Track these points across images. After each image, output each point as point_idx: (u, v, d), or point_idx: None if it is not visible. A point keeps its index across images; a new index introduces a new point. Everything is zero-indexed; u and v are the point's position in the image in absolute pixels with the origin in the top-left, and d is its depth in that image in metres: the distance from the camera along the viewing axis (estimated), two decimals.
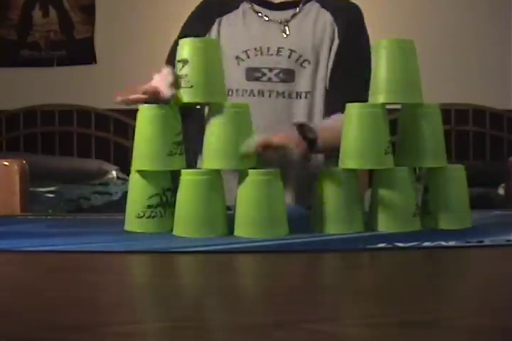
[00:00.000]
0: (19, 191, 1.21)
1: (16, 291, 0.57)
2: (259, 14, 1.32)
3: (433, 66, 3.16)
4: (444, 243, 0.77)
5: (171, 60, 1.29)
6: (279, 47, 1.29)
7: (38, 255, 0.74)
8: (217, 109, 0.87)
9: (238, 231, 0.84)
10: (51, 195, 2.49)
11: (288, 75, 1.28)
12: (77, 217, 1.09)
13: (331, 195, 0.86)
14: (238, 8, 1.35)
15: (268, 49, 1.29)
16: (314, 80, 1.29)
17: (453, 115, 3.16)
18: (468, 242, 0.78)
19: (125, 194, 3.01)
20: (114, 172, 3.03)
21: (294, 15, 1.31)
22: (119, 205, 2.68)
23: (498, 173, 2.07)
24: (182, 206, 0.85)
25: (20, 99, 3.33)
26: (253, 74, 1.28)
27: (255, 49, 1.29)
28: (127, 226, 0.89)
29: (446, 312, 0.49)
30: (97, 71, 3.36)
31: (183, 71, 0.87)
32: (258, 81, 1.28)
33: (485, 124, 3.16)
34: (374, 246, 0.76)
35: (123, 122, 3.20)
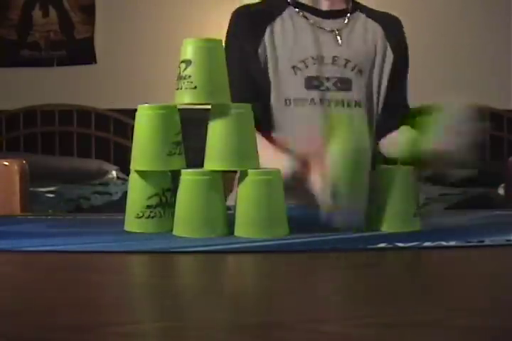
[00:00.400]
0: (19, 191, 1.21)
1: (16, 291, 0.57)
2: (311, 21, 1.30)
3: (433, 66, 3.16)
4: (444, 243, 0.77)
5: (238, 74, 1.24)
6: (334, 56, 1.28)
7: (38, 255, 0.74)
8: (220, 110, 0.87)
9: (238, 231, 0.84)
10: (51, 195, 2.49)
11: (345, 84, 1.28)
12: (77, 217, 1.09)
13: None
14: (281, 13, 1.31)
15: (323, 58, 1.28)
16: (370, 89, 1.31)
17: None
18: (469, 242, 0.78)
19: (125, 194, 3.01)
20: (114, 172, 3.03)
21: (344, 24, 1.31)
22: (119, 205, 2.68)
23: (498, 173, 2.07)
24: (182, 206, 0.85)
25: (20, 99, 3.33)
26: (313, 82, 1.27)
27: (312, 58, 1.27)
28: (127, 227, 0.88)
29: (446, 312, 0.49)
30: (97, 71, 3.36)
31: (187, 72, 0.85)
32: (318, 90, 1.27)
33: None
34: (374, 246, 0.76)
35: (123, 122, 3.20)
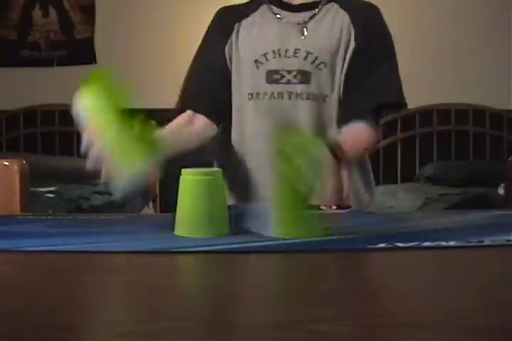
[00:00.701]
0: (19, 191, 1.21)
1: (16, 291, 0.57)
2: (278, 16, 1.32)
3: (433, 66, 3.16)
4: (444, 243, 0.77)
5: (199, 71, 1.34)
6: (295, 49, 1.29)
7: (38, 255, 0.74)
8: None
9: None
10: (51, 195, 2.49)
11: (304, 77, 1.28)
12: (77, 217, 1.09)
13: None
14: (256, 10, 1.34)
15: (286, 51, 1.29)
16: (331, 83, 1.29)
17: (453, 115, 3.16)
18: (469, 242, 0.78)
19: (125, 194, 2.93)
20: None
21: (312, 17, 1.31)
22: (119, 205, 2.69)
23: (498, 173, 2.07)
24: (184, 206, 0.85)
25: (20, 99, 3.33)
26: (273, 76, 1.29)
27: (273, 51, 1.29)
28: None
29: (446, 312, 0.49)
30: None
31: None
32: (278, 83, 1.28)
33: (485, 124, 3.16)
34: (374, 246, 0.76)
35: None
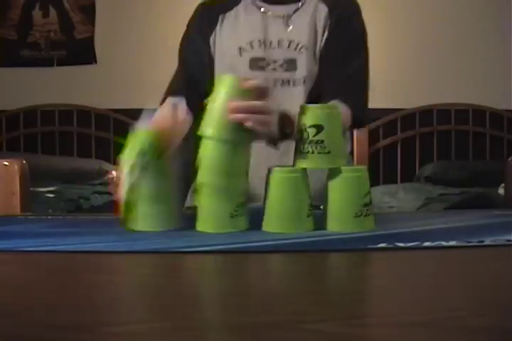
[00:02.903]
0: (19, 191, 1.21)
1: (16, 291, 0.57)
2: (262, 9, 1.36)
3: (433, 66, 3.16)
4: (444, 243, 0.77)
5: (184, 62, 1.38)
6: (279, 40, 1.33)
7: (38, 255, 0.74)
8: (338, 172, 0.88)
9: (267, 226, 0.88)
10: (51, 195, 2.49)
11: (290, 64, 1.32)
12: (77, 217, 1.09)
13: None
14: (239, 3, 1.38)
15: (271, 42, 1.33)
16: (311, 66, 1.33)
17: (453, 115, 3.16)
18: (469, 242, 0.78)
19: None
20: (114, 172, 3.03)
21: (295, 11, 1.35)
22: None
23: (498, 173, 2.07)
24: (273, 202, 0.88)
25: (21, 99, 3.33)
26: (257, 63, 1.32)
27: (259, 41, 1.33)
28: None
29: (446, 312, 0.49)
30: (97, 71, 3.36)
31: (319, 136, 0.87)
32: (263, 71, 1.32)
33: (485, 124, 3.16)
34: (374, 246, 0.76)
35: (123, 122, 3.20)
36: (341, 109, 1.14)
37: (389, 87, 2.85)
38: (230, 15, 1.38)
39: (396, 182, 3.07)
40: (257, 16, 1.36)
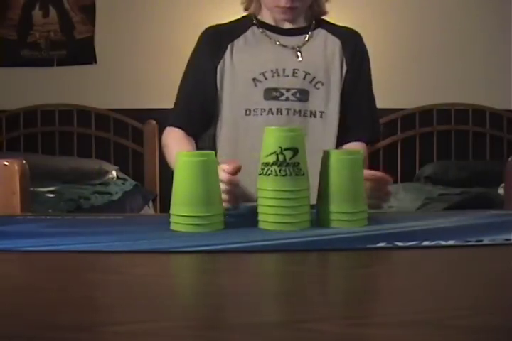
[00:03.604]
0: (19, 191, 1.21)
1: (16, 291, 0.57)
2: (272, 39, 1.39)
3: (433, 66, 3.16)
4: (443, 242, 0.77)
5: (188, 89, 1.40)
6: (294, 69, 1.36)
7: (38, 255, 0.74)
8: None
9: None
10: (51, 195, 2.49)
11: (303, 95, 1.35)
12: (77, 217, 1.09)
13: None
14: (246, 32, 1.41)
15: (284, 70, 1.36)
16: (327, 101, 1.37)
17: (453, 115, 3.16)
18: (468, 241, 0.78)
19: (125, 194, 3.03)
20: (114, 172, 3.03)
21: (305, 41, 1.39)
22: (119, 205, 2.70)
23: (498, 173, 2.07)
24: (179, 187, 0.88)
25: (21, 99, 3.33)
26: (271, 93, 1.35)
27: (272, 71, 1.36)
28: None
29: (446, 312, 0.49)
30: (97, 71, 3.36)
31: (295, 159, 0.88)
32: (276, 100, 1.35)
33: (485, 124, 3.16)
34: (374, 246, 0.76)
35: (123, 122, 3.20)
36: (363, 151, 1.23)
37: (389, 87, 2.85)
38: (239, 43, 1.39)
39: (396, 182, 3.07)
40: (267, 46, 1.38)
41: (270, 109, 1.34)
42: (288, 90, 1.35)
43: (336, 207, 0.89)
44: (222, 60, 1.37)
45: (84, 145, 3.32)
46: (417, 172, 3.11)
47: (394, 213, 1.69)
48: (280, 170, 0.87)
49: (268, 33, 1.40)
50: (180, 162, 0.88)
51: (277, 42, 1.38)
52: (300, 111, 1.35)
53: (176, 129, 1.40)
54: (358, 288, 0.58)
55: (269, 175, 0.88)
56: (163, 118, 3.21)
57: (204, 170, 0.87)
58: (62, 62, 3.36)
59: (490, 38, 3.18)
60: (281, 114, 1.34)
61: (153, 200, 3.20)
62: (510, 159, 1.60)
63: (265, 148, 0.89)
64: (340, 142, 1.38)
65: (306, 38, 1.40)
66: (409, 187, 2.84)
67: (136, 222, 1.05)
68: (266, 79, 1.35)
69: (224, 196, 0.95)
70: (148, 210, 3.07)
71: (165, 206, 3.18)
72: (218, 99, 1.38)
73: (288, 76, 1.35)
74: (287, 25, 1.40)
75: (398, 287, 0.58)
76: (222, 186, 0.96)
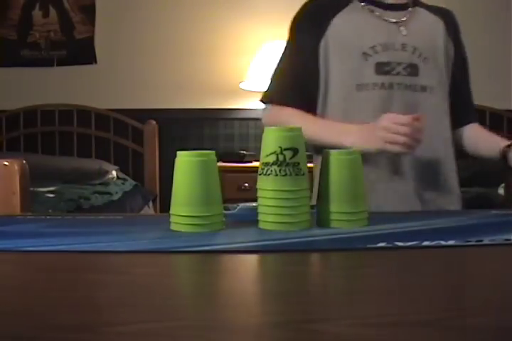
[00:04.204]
0: (19, 191, 1.21)
1: (16, 291, 0.57)
2: (376, 13, 1.38)
3: None
4: (443, 242, 0.77)
5: (292, 64, 1.41)
6: (403, 44, 1.36)
7: (38, 255, 0.74)
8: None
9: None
10: (51, 195, 2.49)
11: (413, 69, 1.35)
12: (77, 217, 1.09)
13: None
14: (347, 6, 1.40)
15: (393, 45, 1.35)
16: (436, 76, 1.38)
17: None
18: (468, 241, 0.78)
19: (125, 194, 3.03)
20: (114, 172, 3.03)
21: (407, 17, 1.39)
22: (119, 205, 2.70)
23: (498, 173, 2.07)
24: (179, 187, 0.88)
25: (21, 99, 3.33)
26: (383, 68, 1.34)
27: (381, 45, 1.35)
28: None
29: (447, 312, 0.49)
30: (97, 71, 3.36)
31: (295, 159, 0.88)
32: (388, 74, 1.34)
33: (485, 124, 3.16)
34: (374, 246, 0.76)
35: (123, 122, 3.20)
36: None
37: None
38: (342, 17, 1.37)
39: None
40: (372, 20, 1.37)
41: (382, 83, 1.32)
42: (399, 64, 1.33)
43: (336, 207, 0.89)
44: (325, 36, 1.36)
45: (84, 145, 3.32)
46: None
47: (394, 213, 1.69)
48: (280, 170, 0.87)
49: (371, 7, 1.38)
50: (180, 162, 0.88)
51: (382, 17, 1.37)
52: (410, 85, 1.33)
53: (286, 107, 1.38)
54: (358, 288, 0.58)
55: (269, 175, 0.88)
56: (163, 119, 3.22)
57: (204, 170, 0.87)
58: (62, 62, 3.37)
59: (490, 38, 3.17)
60: (392, 88, 1.32)
61: (153, 200, 3.20)
62: None
63: (265, 148, 0.89)
64: (457, 123, 1.41)
65: (408, 14, 1.39)
66: None
67: (136, 222, 1.04)
68: (376, 53, 1.33)
69: (403, 139, 0.99)
70: (148, 210, 3.07)
71: (165, 206, 3.18)
72: (323, 76, 1.37)
73: (397, 50, 1.34)
74: (390, 0, 1.39)
75: (398, 287, 0.58)
76: (403, 129, 1.00)
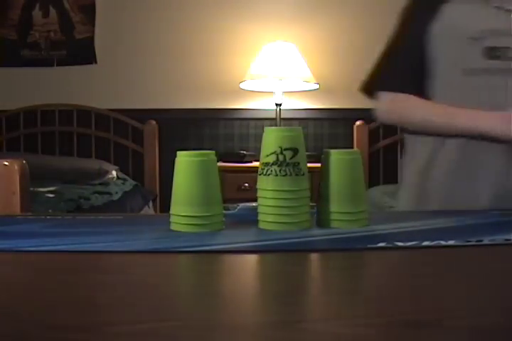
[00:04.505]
0: (19, 191, 1.21)
1: (16, 291, 0.57)
2: (492, 3, 1.35)
3: None
4: (443, 242, 0.77)
5: (405, 52, 1.40)
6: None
7: (38, 255, 0.74)
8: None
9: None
10: (51, 195, 2.49)
11: None
12: (77, 217, 1.09)
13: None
14: None
15: (503, 30, 1.32)
16: None
17: None
18: (468, 241, 0.78)
19: (125, 194, 3.03)
20: (114, 172, 3.03)
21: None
22: (119, 205, 2.71)
23: None
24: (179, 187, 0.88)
25: (20, 99, 3.33)
26: (491, 53, 1.32)
27: (490, 30, 1.32)
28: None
29: (446, 312, 0.49)
30: (97, 71, 3.37)
31: (295, 159, 0.88)
32: (497, 60, 1.31)
33: None
34: (374, 246, 0.76)
35: (123, 122, 3.20)
36: None
37: None
38: (454, 3, 1.36)
39: (396, 182, 3.07)
40: (480, 5, 1.35)
41: (489, 68, 1.30)
42: (508, 49, 1.31)
43: (336, 207, 0.89)
44: (434, 21, 1.36)
45: (84, 145, 3.33)
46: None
47: (394, 213, 1.69)
48: (280, 170, 0.87)
49: None
50: (180, 162, 0.88)
51: (492, 5, 1.34)
52: None
53: (408, 95, 1.38)
54: (357, 288, 0.58)
55: (269, 175, 0.88)
56: (163, 119, 3.22)
57: (204, 170, 0.87)
58: (62, 62, 3.37)
59: None
60: (500, 74, 1.30)
61: (153, 200, 3.20)
62: None
63: (265, 148, 0.89)
64: None
65: None
66: None
67: (136, 222, 1.04)
68: (486, 38, 1.32)
69: None
70: (148, 210, 3.07)
71: (165, 206, 3.18)
72: (431, 60, 1.37)
73: (507, 35, 1.31)
74: None
75: (398, 287, 0.58)
76: None
